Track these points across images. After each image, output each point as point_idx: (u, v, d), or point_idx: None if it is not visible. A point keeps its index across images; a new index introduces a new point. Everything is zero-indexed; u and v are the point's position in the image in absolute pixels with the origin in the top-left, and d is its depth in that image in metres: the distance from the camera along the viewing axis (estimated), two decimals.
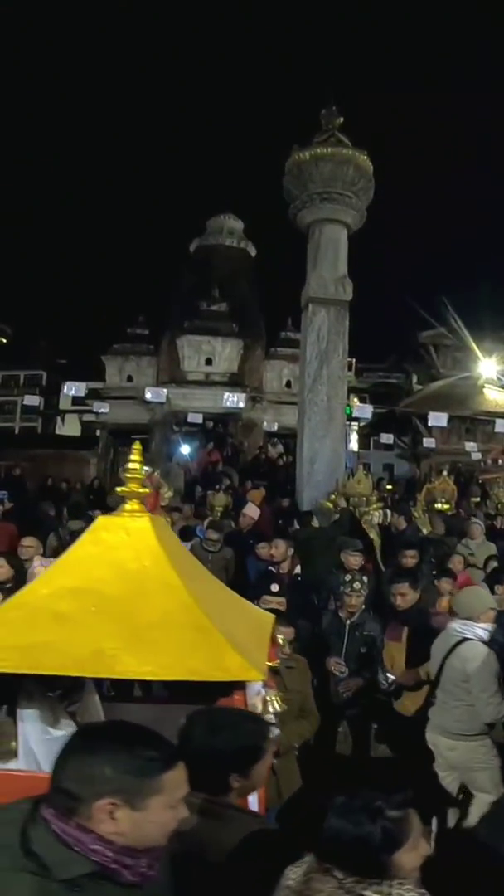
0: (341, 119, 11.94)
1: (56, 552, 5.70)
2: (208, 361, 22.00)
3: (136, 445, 2.45)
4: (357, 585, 4.92)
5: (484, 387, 24.43)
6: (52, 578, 2.17)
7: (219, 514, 10.03)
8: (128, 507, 2.32)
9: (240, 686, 2.20)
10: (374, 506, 9.19)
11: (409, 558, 6.39)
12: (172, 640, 1.98)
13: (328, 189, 11.70)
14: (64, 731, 2.07)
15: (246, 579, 6.80)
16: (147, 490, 2.27)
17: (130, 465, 2.35)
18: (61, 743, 1.39)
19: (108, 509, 9.29)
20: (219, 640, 1.99)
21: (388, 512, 9.59)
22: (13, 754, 2.17)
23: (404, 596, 4.78)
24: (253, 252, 25.03)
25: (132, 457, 2.38)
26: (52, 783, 1.33)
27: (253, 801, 2.10)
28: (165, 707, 2.69)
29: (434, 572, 6.13)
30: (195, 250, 24.87)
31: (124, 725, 1.47)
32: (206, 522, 8.61)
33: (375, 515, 9.03)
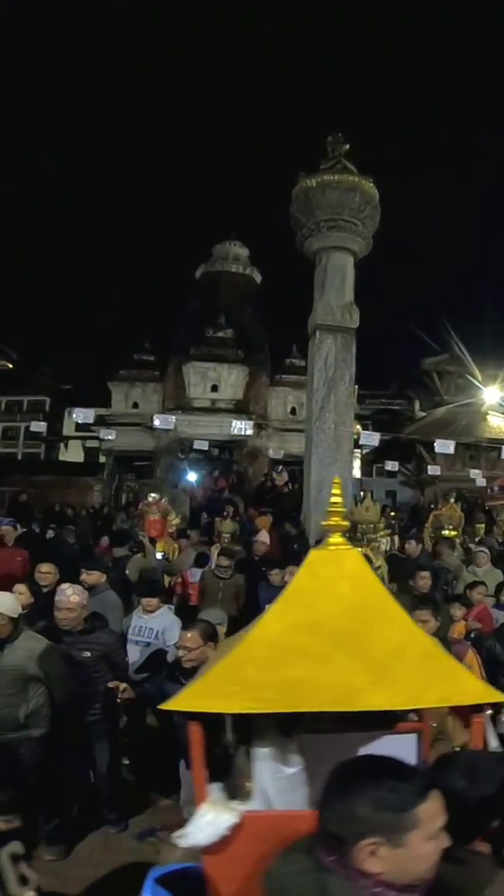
0: (347, 146, 12.07)
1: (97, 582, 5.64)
2: (214, 388, 22.03)
3: (336, 480, 2.47)
4: None
5: (487, 413, 24.40)
6: (281, 614, 2.17)
7: (227, 540, 10.00)
8: (332, 539, 2.32)
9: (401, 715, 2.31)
10: (382, 532, 9.10)
11: (423, 580, 6.29)
12: (412, 670, 1.99)
13: (335, 216, 11.79)
14: (294, 768, 2.13)
15: (257, 606, 6.69)
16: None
17: (333, 500, 2.37)
18: (292, 780, 1.52)
19: (116, 535, 9.14)
20: (454, 666, 2.04)
21: (395, 539, 9.48)
22: (249, 794, 2.22)
23: (426, 623, 4.60)
24: (258, 279, 25.25)
25: (333, 491, 2.41)
26: (318, 826, 1.37)
27: None
28: (344, 737, 2.60)
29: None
30: (201, 276, 25.09)
31: (374, 760, 1.48)
32: (216, 549, 8.53)
33: (383, 542, 8.95)
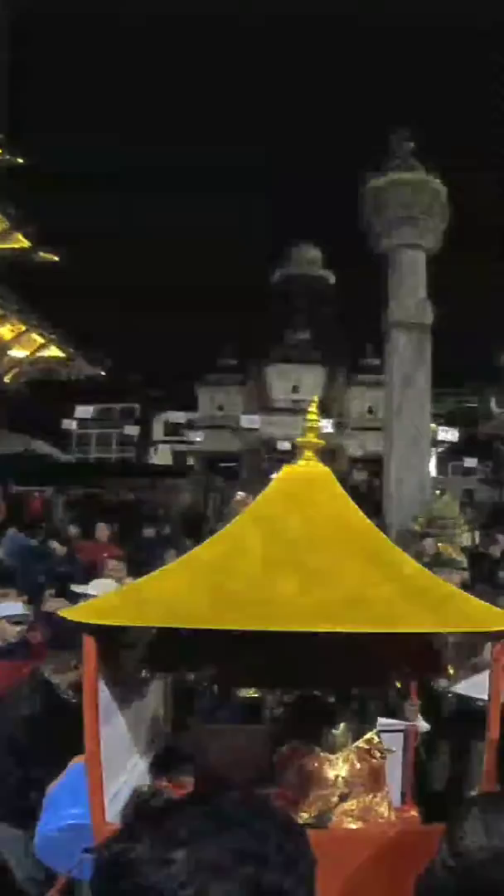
0: (412, 143, 12.11)
1: None
2: (295, 389, 22.41)
3: (314, 398, 2.56)
4: None
5: None
6: (251, 529, 2.08)
7: None
8: (306, 456, 2.29)
9: None
10: (461, 528, 9.17)
11: None
12: (430, 591, 1.89)
13: (404, 214, 11.85)
14: None
15: None
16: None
17: (309, 416, 2.36)
18: None
19: (202, 537, 9.67)
20: (457, 592, 1.99)
21: (476, 534, 9.51)
22: None
23: None
24: (333, 280, 25.42)
25: (309, 409, 2.40)
26: None
27: None
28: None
29: None
30: (278, 280, 25.53)
31: None
32: None
33: (464, 538, 9.02)
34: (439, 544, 8.46)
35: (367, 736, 2.38)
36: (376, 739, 2.40)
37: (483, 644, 2.71)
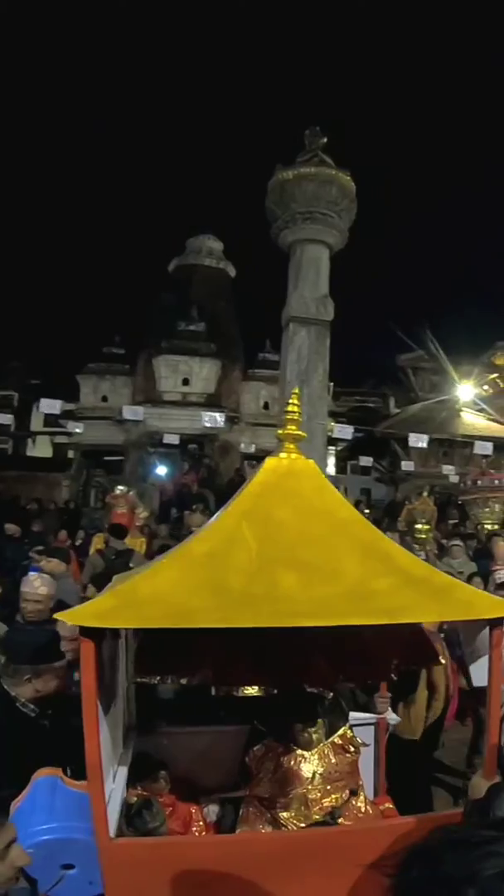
0: (325, 139, 11.98)
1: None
2: (185, 382, 21.78)
3: (296, 390, 2.55)
4: None
5: (461, 410, 24.58)
6: (242, 522, 2.03)
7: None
8: (288, 447, 2.33)
9: None
10: None
11: None
12: (429, 581, 1.90)
13: (311, 209, 11.66)
14: None
15: None
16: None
17: (289, 409, 2.40)
18: None
19: (115, 528, 8.79)
20: (455, 582, 2.00)
21: None
22: None
23: None
24: (232, 273, 25.08)
25: (291, 401, 2.42)
26: None
27: None
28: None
29: None
30: (174, 270, 24.83)
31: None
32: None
33: None
34: None
35: (341, 731, 2.41)
36: (350, 734, 2.45)
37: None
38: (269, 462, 2.29)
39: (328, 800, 2.31)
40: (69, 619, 1.72)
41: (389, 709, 2.96)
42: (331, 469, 19.62)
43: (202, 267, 24.29)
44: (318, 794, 2.30)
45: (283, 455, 2.29)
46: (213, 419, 14.73)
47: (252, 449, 16.64)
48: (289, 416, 2.36)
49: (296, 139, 12.62)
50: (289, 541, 1.95)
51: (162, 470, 17.45)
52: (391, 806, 2.60)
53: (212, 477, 16.40)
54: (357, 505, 11.11)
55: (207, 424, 15.02)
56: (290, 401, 2.41)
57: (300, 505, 2.11)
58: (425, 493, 11.72)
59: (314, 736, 2.38)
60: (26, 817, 1.89)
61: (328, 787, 2.31)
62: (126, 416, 15.03)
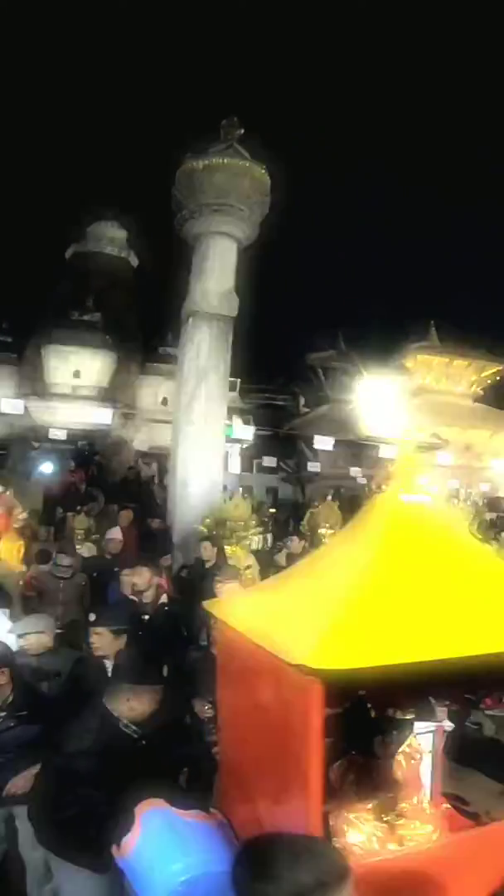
0: (242, 130, 11.60)
1: None
2: (76, 374, 20.65)
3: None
4: None
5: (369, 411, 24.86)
6: (388, 563, 2.11)
7: (80, 537, 9.16)
8: (413, 492, 2.40)
9: None
10: (253, 531, 8.69)
11: None
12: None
13: (220, 200, 11.27)
14: None
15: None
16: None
17: (406, 437, 2.55)
18: None
19: None
20: None
21: (269, 536, 9.13)
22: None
23: None
24: (135, 263, 24.23)
25: (402, 448, 2.49)
26: None
27: None
28: None
29: None
30: (71, 257, 23.64)
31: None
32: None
33: (254, 540, 8.58)
34: (228, 547, 7.85)
35: (409, 740, 2.54)
36: (415, 742, 2.57)
37: None
38: (388, 496, 2.38)
39: (405, 805, 2.48)
40: (314, 662, 1.65)
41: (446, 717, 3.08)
42: (236, 468, 19.19)
43: (103, 255, 23.31)
44: (398, 801, 2.48)
45: (404, 489, 2.35)
46: (104, 414, 14.00)
47: (146, 446, 15.96)
48: (408, 445, 2.44)
49: (212, 128, 12.20)
50: (438, 572, 2.09)
51: (47, 467, 16.30)
52: (448, 806, 2.77)
53: (102, 475, 15.52)
54: (261, 505, 10.79)
55: (97, 420, 14.25)
56: (403, 449, 2.47)
57: (437, 538, 2.27)
58: (329, 498, 11.57)
59: (392, 746, 2.52)
60: (153, 855, 1.91)
61: (402, 794, 2.50)
62: (5, 410, 13.91)
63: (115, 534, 8.48)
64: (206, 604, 2.40)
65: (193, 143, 12.04)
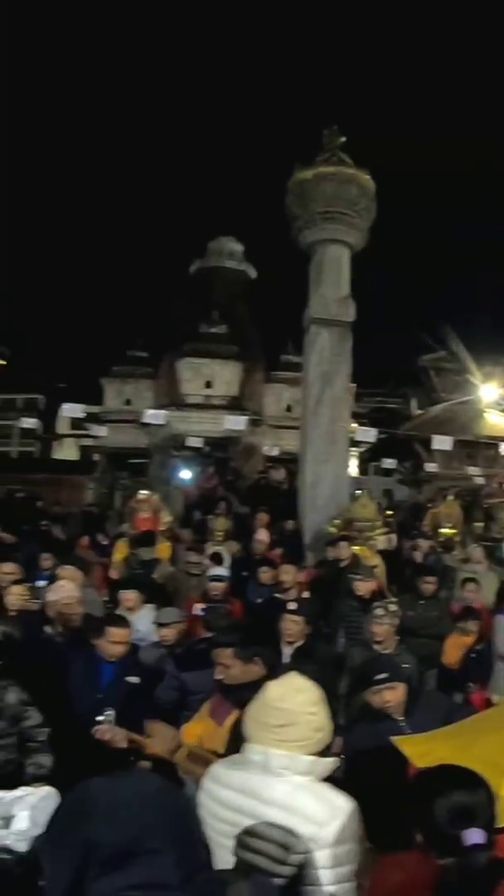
0: (343, 138, 11.85)
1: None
2: (208, 384, 21.87)
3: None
4: (380, 612, 4.32)
5: (485, 411, 24.21)
6: None
7: (219, 538, 9.81)
8: None
9: None
10: (379, 531, 8.91)
11: (428, 584, 6.19)
12: None
13: (330, 208, 11.54)
14: None
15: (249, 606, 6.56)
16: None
17: None
18: None
19: (143, 536, 8.67)
20: None
21: (393, 537, 9.30)
22: None
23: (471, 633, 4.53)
24: (253, 274, 25.10)
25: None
26: None
27: None
28: None
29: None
30: (195, 272, 24.92)
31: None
32: (210, 547, 8.43)
33: (380, 541, 8.78)
34: (354, 548, 8.12)
35: None
36: None
37: None
38: None
39: None
40: None
41: None
42: (354, 471, 19.45)
43: (223, 269, 24.38)
44: None
45: None
46: (237, 422, 14.70)
47: (275, 451, 16.60)
48: None
49: (315, 139, 12.53)
50: None
51: (186, 473, 17.48)
52: None
53: (235, 480, 16.38)
54: (379, 508, 10.95)
55: (231, 427, 14.99)
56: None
57: None
58: (451, 497, 11.49)
59: None
60: None
61: None
62: (148, 421, 15.09)
63: (262, 535, 8.97)
64: (396, 740, 2.13)
65: (300, 154, 12.47)
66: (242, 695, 2.77)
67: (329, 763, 1.90)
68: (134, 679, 3.72)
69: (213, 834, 1.32)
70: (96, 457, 25.72)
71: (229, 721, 2.86)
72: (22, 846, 1.59)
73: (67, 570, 5.22)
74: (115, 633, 3.74)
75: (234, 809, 1.78)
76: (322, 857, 1.67)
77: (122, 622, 3.93)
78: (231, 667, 3.15)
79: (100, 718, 2.92)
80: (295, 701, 1.89)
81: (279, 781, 1.79)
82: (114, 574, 7.63)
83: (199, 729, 3.06)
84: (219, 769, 1.69)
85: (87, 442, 30.50)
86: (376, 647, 4.24)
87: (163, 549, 9.38)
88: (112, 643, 3.71)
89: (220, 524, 10.36)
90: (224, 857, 1.30)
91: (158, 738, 2.94)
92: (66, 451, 36.71)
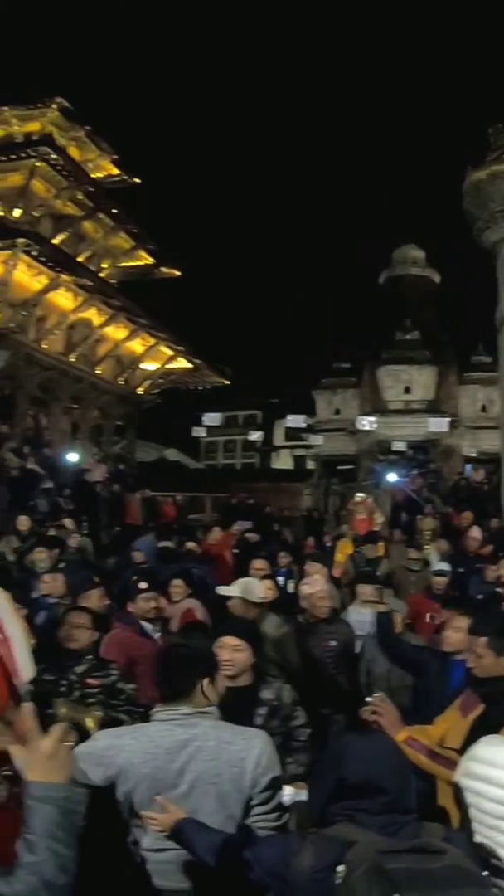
0: None
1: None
2: (406, 390, 22.37)
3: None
4: None
5: None
6: None
7: (427, 537, 10.05)
8: None
9: None
10: None
11: None
12: None
13: None
14: None
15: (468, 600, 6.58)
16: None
17: None
18: None
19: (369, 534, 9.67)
20: None
21: None
22: None
23: None
24: (437, 279, 25.12)
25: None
26: None
27: None
28: None
29: None
30: (384, 282, 25.57)
31: None
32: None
33: None
34: None
35: None
36: None
37: None
38: None
39: None
40: None
41: None
42: None
43: (409, 276, 24.72)
44: None
45: None
46: (440, 424, 15.07)
47: (474, 452, 16.63)
48: None
49: (480, 138, 12.56)
50: None
51: (392, 476, 18.27)
52: None
53: (438, 481, 16.75)
54: None
55: (434, 430, 15.38)
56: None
57: None
58: None
59: None
60: None
61: None
62: (361, 427, 16.07)
63: (475, 533, 9.07)
64: None
65: (468, 157, 12.53)
66: (492, 687, 2.76)
67: None
68: None
69: (483, 816, 1.33)
70: (311, 464, 27.37)
71: (473, 714, 2.75)
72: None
73: (316, 567, 5.73)
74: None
75: None
76: None
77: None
78: (483, 657, 3.00)
79: (369, 700, 2.83)
80: None
81: None
82: (336, 572, 7.77)
83: (449, 721, 2.90)
84: (484, 749, 1.47)
85: (301, 451, 32.36)
86: None
87: (379, 547, 10.17)
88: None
89: (427, 524, 10.67)
90: (495, 838, 1.29)
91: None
92: (283, 461, 39.11)
